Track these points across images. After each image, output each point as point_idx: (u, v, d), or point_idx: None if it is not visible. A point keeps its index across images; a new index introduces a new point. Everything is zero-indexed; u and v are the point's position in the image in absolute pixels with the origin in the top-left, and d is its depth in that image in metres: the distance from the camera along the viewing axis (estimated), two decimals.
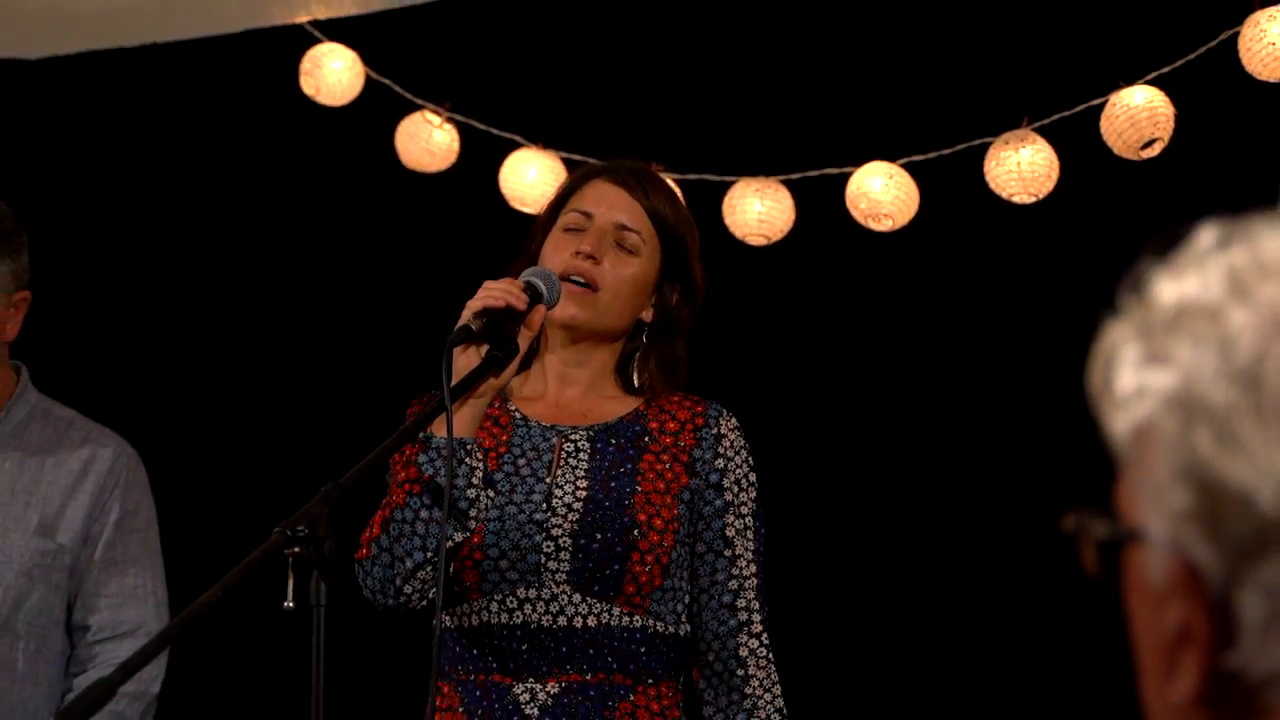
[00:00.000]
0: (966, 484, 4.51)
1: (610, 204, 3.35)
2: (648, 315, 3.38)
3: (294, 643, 2.78)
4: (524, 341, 3.19)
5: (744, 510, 3.30)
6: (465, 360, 3.13)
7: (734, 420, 3.35)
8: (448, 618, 3.26)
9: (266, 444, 4.95)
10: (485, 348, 3.15)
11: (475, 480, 3.15)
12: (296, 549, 2.70)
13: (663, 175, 3.65)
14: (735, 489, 3.30)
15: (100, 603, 3.80)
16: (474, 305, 3.12)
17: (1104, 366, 1.27)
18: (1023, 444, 4.43)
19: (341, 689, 2.80)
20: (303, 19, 4.95)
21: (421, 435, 3.13)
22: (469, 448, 3.15)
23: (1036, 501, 4.24)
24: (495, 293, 3.12)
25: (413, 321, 4.46)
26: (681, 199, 3.47)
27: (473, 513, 3.16)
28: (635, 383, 3.37)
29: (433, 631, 2.94)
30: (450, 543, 3.15)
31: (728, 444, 3.31)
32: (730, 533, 3.28)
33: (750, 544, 3.29)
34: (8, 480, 3.81)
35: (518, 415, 3.35)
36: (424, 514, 3.15)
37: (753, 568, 3.29)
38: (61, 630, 3.80)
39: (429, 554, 3.15)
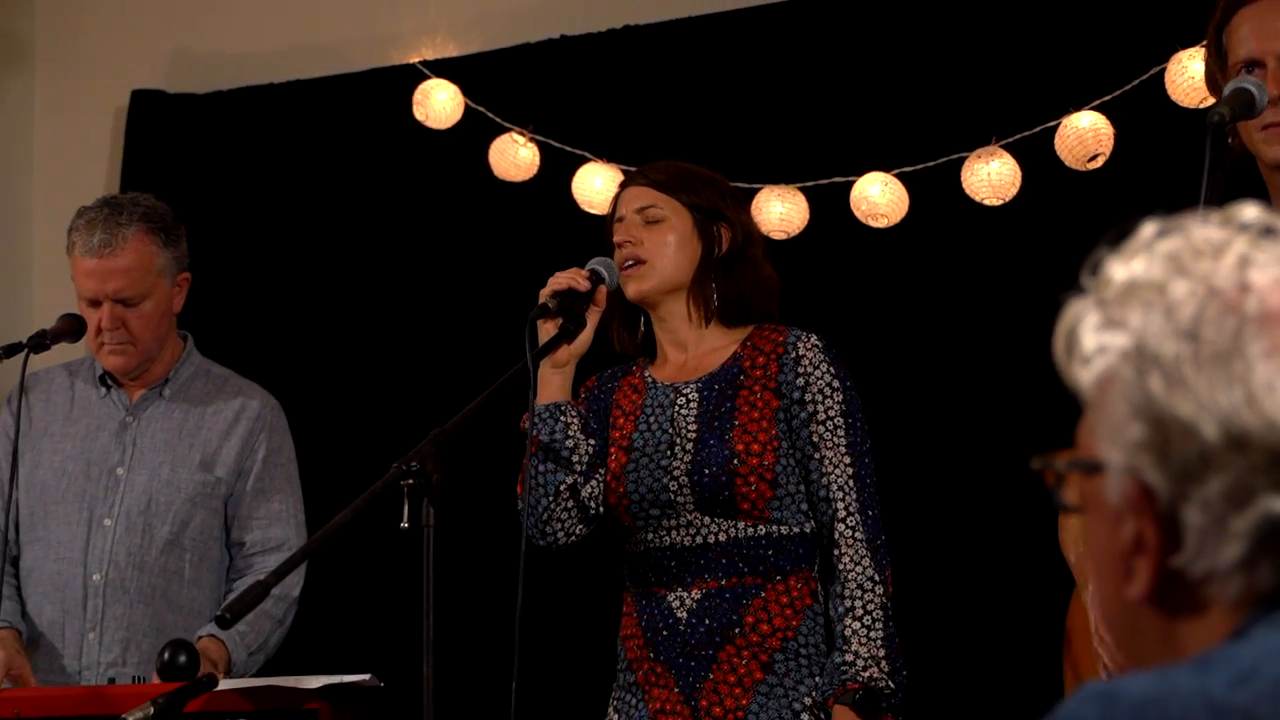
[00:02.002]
0: (944, 432, 4.47)
1: (627, 202, 3.35)
2: (712, 255, 3.32)
3: (408, 556, 2.79)
4: (592, 318, 3.23)
5: (830, 413, 3.20)
6: (544, 333, 3.22)
7: (813, 339, 3.26)
8: (624, 548, 3.29)
9: (385, 398, 4.95)
10: (560, 322, 3.20)
11: (572, 432, 3.22)
12: (410, 480, 2.72)
13: None
14: (818, 399, 3.21)
15: (253, 524, 3.81)
16: (547, 290, 3.21)
17: (1069, 334, 1.27)
18: (995, 402, 4.39)
19: (445, 595, 2.79)
20: (414, 60, 4.97)
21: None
22: (562, 407, 3.23)
23: (1007, 448, 4.19)
24: (562, 279, 3.22)
25: (502, 301, 4.46)
26: (689, 165, 3.40)
27: (574, 458, 3.22)
28: (701, 316, 3.31)
29: (520, 546, 2.94)
30: (563, 484, 3.22)
31: (807, 362, 3.23)
32: (816, 438, 3.19)
33: (842, 440, 3.19)
34: (176, 426, 3.83)
35: (649, 380, 3.34)
36: (542, 468, 3.21)
37: (846, 459, 3.19)
38: (219, 545, 3.82)
39: (550, 499, 3.22)
